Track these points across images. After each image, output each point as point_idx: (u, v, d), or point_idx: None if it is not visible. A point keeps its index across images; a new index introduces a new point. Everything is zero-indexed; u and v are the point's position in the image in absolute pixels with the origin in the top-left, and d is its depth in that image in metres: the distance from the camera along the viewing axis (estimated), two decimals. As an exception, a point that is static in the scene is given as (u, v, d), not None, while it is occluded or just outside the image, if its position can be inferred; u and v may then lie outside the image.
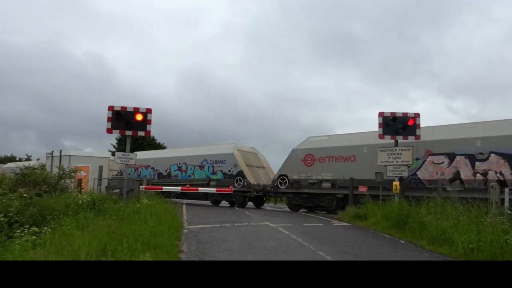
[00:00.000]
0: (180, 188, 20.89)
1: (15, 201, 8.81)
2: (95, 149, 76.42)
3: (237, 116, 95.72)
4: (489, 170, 12.82)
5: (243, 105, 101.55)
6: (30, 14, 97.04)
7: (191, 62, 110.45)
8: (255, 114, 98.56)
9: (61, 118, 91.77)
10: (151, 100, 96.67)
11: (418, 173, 14.49)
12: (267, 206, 21.95)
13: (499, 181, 12.03)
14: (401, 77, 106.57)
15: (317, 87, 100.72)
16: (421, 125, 13.18)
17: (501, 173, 12.58)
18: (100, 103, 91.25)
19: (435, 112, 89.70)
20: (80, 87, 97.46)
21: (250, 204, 20.78)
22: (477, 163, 13.12)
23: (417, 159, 14.17)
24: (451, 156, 13.70)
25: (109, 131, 12.64)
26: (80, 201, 10.23)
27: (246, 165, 20.38)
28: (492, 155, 12.83)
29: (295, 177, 17.81)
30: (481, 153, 13.02)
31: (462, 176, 13.37)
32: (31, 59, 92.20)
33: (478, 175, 13.04)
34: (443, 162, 13.89)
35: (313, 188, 17.11)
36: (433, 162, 14.12)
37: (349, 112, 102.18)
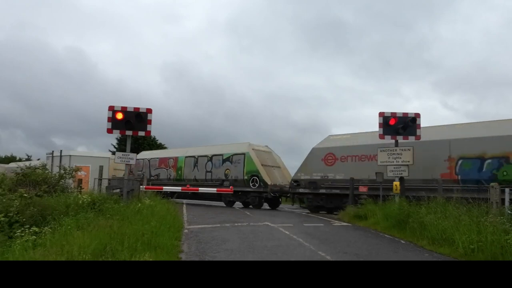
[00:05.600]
0: (180, 188, 21.31)
1: (16, 201, 8.82)
2: (88, 148, 75.87)
3: (228, 113, 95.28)
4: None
5: (233, 102, 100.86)
6: (7, 8, 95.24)
7: (176, 57, 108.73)
8: (246, 111, 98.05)
9: (47, 115, 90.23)
10: (137, 96, 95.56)
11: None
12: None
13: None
14: (396, 71, 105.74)
15: (308, 85, 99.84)
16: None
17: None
18: (86, 101, 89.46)
19: (431, 110, 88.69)
20: (63, 84, 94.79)
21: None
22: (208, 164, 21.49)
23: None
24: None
25: (109, 131, 12.64)
26: (80, 201, 10.22)
27: (115, 169, 26.39)
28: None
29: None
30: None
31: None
32: (10, 54, 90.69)
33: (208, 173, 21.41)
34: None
35: (157, 181, 23.51)
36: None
37: (342, 110, 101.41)
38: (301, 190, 17.76)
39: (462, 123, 14.72)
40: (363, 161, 15.73)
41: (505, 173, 12.31)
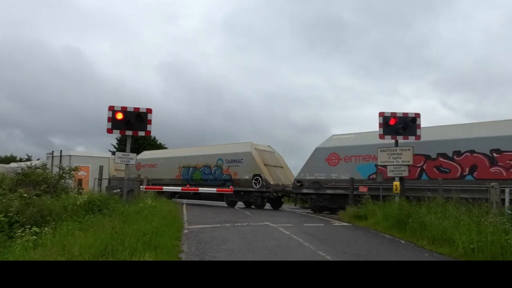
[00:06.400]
0: (180, 188, 21.38)
1: (15, 201, 8.80)
2: (87, 148, 75.65)
3: (227, 113, 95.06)
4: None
5: (233, 102, 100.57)
6: (6, 7, 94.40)
7: (175, 57, 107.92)
8: (246, 111, 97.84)
9: (46, 115, 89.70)
10: (137, 96, 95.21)
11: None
12: None
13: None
14: (395, 71, 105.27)
15: (308, 85, 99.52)
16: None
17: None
18: (85, 100, 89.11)
19: (431, 110, 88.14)
20: (62, 84, 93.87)
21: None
22: None
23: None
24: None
25: (109, 131, 12.66)
26: (78, 202, 10.20)
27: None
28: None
29: None
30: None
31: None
32: (8, 54, 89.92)
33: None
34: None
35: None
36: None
37: (342, 110, 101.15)
38: (144, 186, 24.01)
39: (187, 148, 25.18)
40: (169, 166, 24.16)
41: (195, 175, 22.14)
